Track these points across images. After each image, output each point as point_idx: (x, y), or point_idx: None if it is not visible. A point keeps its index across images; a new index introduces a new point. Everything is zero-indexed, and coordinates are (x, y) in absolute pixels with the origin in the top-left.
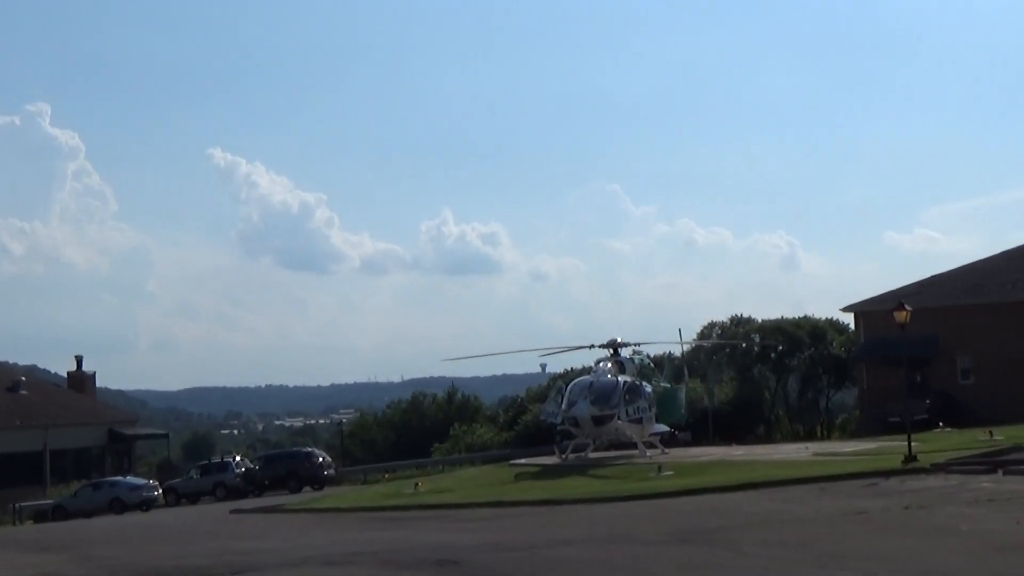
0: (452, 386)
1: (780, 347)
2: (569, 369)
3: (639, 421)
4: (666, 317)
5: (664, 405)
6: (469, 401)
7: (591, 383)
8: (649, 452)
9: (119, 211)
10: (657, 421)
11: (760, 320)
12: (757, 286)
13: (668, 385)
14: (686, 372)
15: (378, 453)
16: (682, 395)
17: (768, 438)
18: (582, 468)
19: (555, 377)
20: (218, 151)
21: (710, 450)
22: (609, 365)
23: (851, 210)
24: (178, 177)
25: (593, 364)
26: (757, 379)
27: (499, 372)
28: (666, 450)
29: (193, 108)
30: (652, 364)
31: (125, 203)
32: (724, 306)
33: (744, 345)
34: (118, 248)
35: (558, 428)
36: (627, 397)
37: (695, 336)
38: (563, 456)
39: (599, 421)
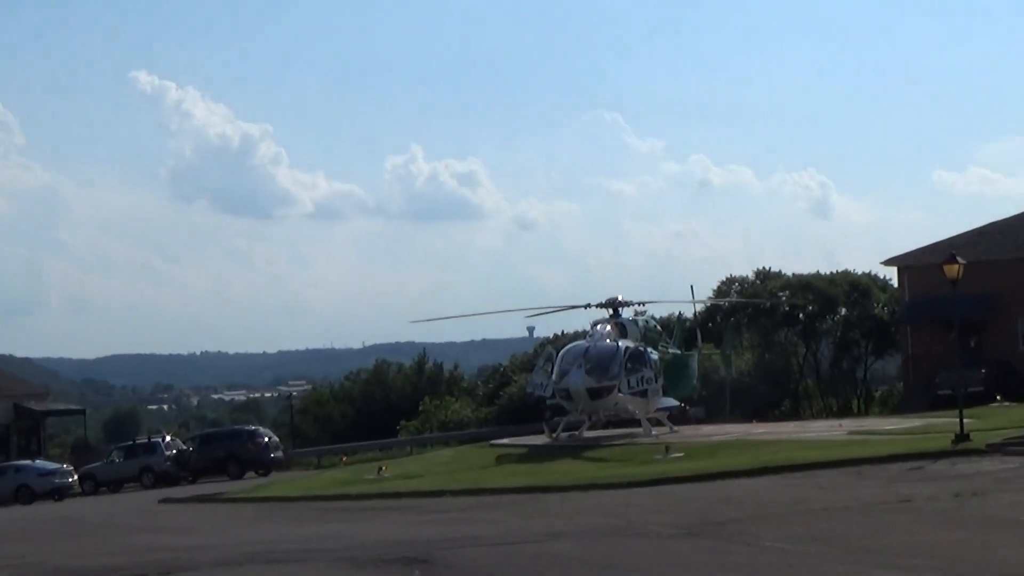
0: (422, 353)
1: (810, 307)
2: (561, 333)
3: (643, 394)
4: (676, 271)
5: (673, 375)
6: (442, 371)
7: (587, 349)
8: (655, 430)
9: (25, 144)
10: (664, 394)
11: (787, 275)
12: (783, 235)
13: (678, 352)
14: (699, 336)
15: (335, 432)
16: (694, 364)
17: (796, 414)
18: (575, 449)
19: (544, 342)
20: (143, 74)
21: (727, 428)
22: (608, 328)
23: (895, 144)
24: (95, 105)
25: (589, 327)
26: (783, 345)
27: (478, 336)
28: (675, 428)
29: (113, 22)
30: (659, 327)
31: (33, 135)
32: (745, 259)
33: (768, 305)
34: (24, 189)
35: (547, 402)
36: (629, 366)
37: (710, 294)
38: (553, 435)
39: (596, 394)
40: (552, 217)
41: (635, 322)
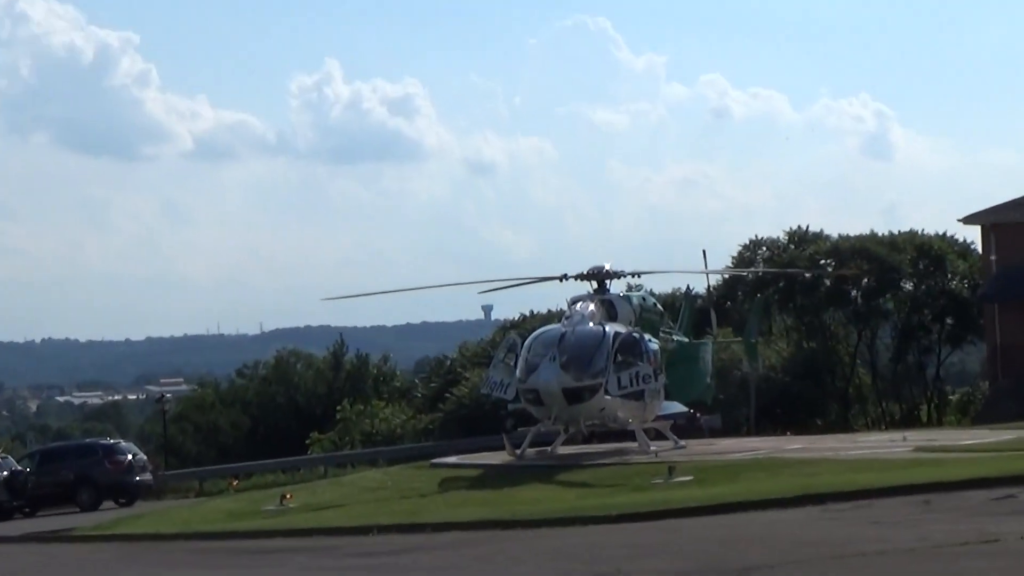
0: (340, 341)
1: (864, 279)
2: (529, 314)
3: (638, 396)
4: (683, 232)
5: (679, 371)
6: (367, 365)
7: (562, 336)
8: (653, 445)
9: None
10: (667, 397)
11: (833, 237)
12: (827, 183)
13: (685, 340)
14: (715, 319)
15: (222, 447)
16: (707, 355)
17: (844, 423)
18: (547, 471)
19: (505, 327)
20: None
21: (751, 442)
22: (591, 308)
23: (978, 63)
24: None
25: (566, 306)
26: (828, 330)
27: (415, 319)
28: (681, 442)
29: None
30: (660, 306)
31: None
32: (775, 215)
33: (808, 276)
34: None
35: (509, 408)
36: (619, 358)
37: (730, 262)
38: (517, 452)
39: (574, 396)
40: (516, 158)
41: (628, 299)
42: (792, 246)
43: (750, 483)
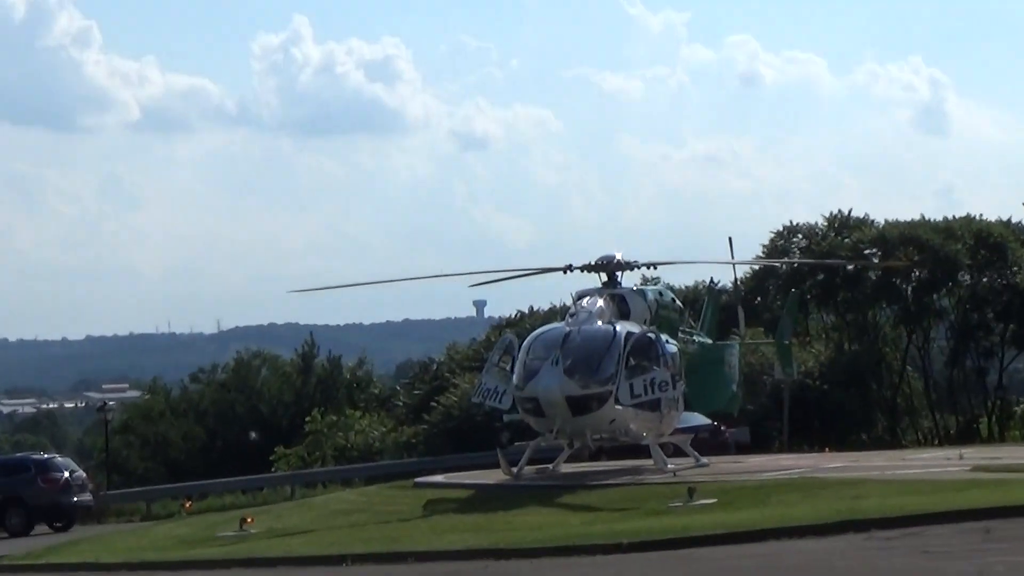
0: (309, 341)
1: (916, 272)
2: (527, 311)
3: (653, 406)
4: (706, 216)
5: (701, 377)
6: (341, 369)
7: (566, 337)
8: (671, 463)
9: None
10: (687, 407)
11: (878, 223)
12: (873, 161)
13: (709, 341)
14: (742, 317)
15: (173, 463)
16: (734, 359)
17: (892, 438)
18: (548, 492)
19: (500, 325)
20: None
21: (784, 459)
22: (600, 304)
23: None
24: None
25: (571, 302)
26: (874, 331)
27: (397, 316)
28: (703, 459)
29: None
30: (680, 303)
31: None
32: (813, 197)
33: (850, 268)
34: None
35: (504, 419)
36: (632, 362)
37: (760, 251)
38: (514, 470)
39: (580, 405)
40: (513, 131)
41: (642, 294)
42: (832, 233)
43: (783, 507)
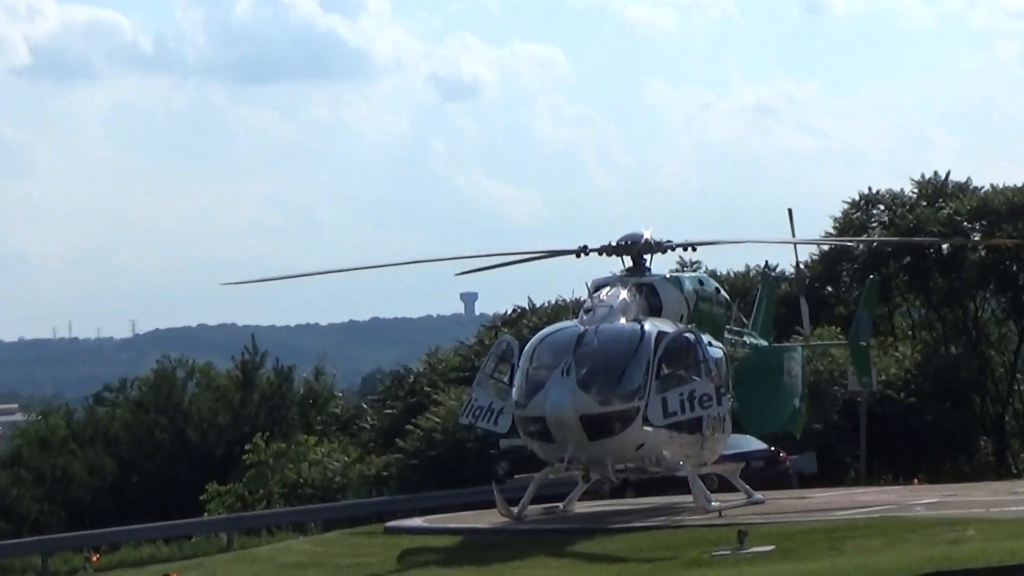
0: (251, 346)
1: None
2: (529, 307)
3: (693, 427)
4: (758, 183)
5: (755, 390)
6: (291, 382)
7: (580, 338)
8: (716, 500)
9: None
10: (736, 428)
11: (983, 189)
12: (972, 112)
13: (764, 343)
14: (806, 312)
15: (76, 504)
16: (796, 366)
17: (1000, 465)
18: (559, 538)
19: (495, 325)
20: None
21: (862, 494)
22: (623, 296)
23: None
24: None
25: (586, 294)
26: (976, 328)
27: (362, 314)
28: (758, 495)
29: None
30: (726, 294)
31: None
32: (896, 157)
33: (946, 248)
34: None
35: (502, 445)
36: (665, 371)
37: (830, 227)
38: (514, 511)
39: (599, 427)
40: (510, 75)
41: (678, 283)
42: (924, 203)
43: (860, 556)
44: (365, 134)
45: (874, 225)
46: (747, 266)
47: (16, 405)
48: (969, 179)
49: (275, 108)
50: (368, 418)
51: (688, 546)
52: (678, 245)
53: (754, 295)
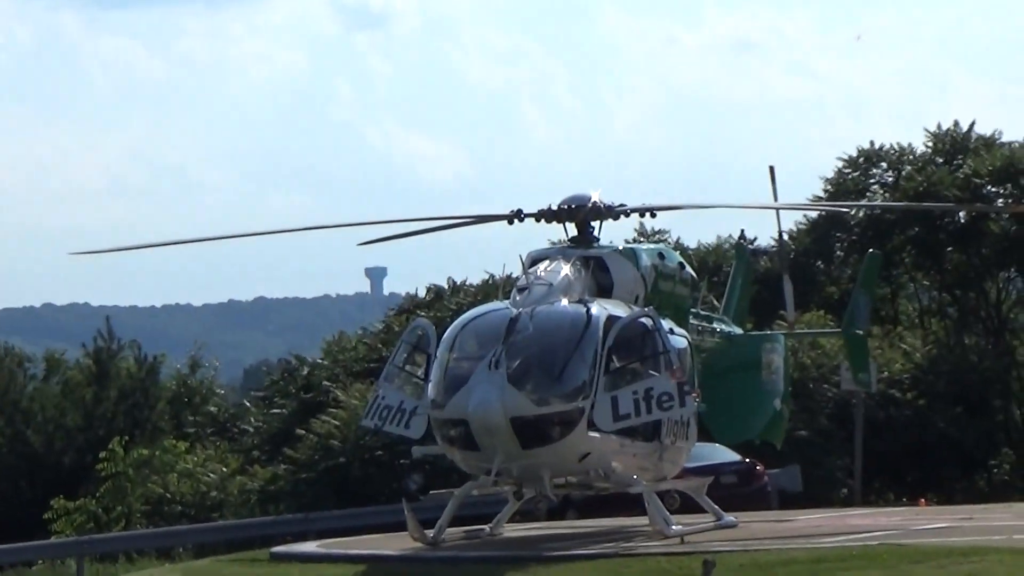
0: (105, 332)
1: None
2: (449, 285)
3: (650, 434)
4: (735, 134)
5: (727, 388)
6: (156, 375)
7: (512, 323)
8: (678, 524)
9: None
10: (704, 435)
11: (1007, 145)
12: (994, 51)
13: (737, 331)
14: (790, 293)
15: None
16: (777, 359)
17: (1023, 480)
18: (484, 567)
19: (408, 307)
20: None
21: (856, 517)
22: (566, 271)
23: None
24: None
25: (520, 268)
26: (998, 315)
27: (244, 294)
28: (729, 516)
29: None
30: (692, 271)
31: None
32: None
33: (964, 217)
34: None
35: (414, 454)
36: (615, 364)
37: (820, 190)
38: (430, 533)
39: (534, 433)
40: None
41: (632, 256)
42: (938, 160)
43: None
44: (250, 72)
45: (875, 187)
46: (719, 237)
47: None
48: (997, 132)
49: (138, 38)
50: (252, 419)
51: None
52: (634, 210)
53: (727, 272)
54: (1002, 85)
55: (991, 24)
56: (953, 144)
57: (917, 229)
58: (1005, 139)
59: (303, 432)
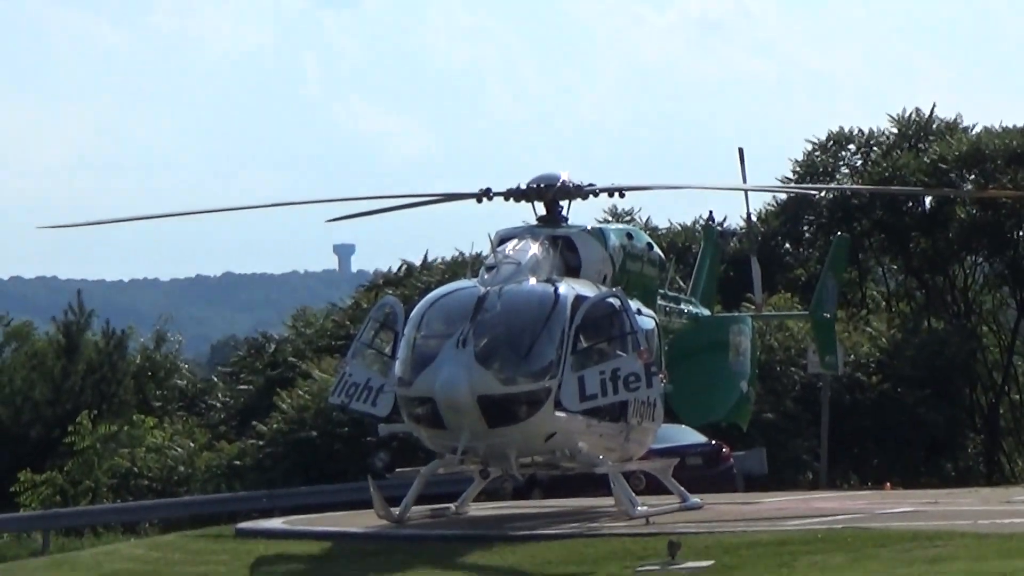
0: (76, 304)
1: None
2: (416, 263)
3: (616, 414)
4: (704, 116)
5: (695, 369)
6: (124, 350)
7: (480, 302)
8: (643, 505)
9: None
10: (672, 417)
11: (974, 129)
12: (964, 35)
13: (704, 312)
14: (758, 275)
15: None
16: (745, 341)
17: (991, 468)
18: (449, 546)
19: (375, 284)
20: None
21: (823, 500)
22: (534, 251)
23: None
24: None
25: (489, 247)
26: (965, 300)
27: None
28: (695, 498)
29: None
30: (660, 252)
31: None
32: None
33: (930, 201)
34: None
35: (381, 431)
36: (582, 343)
37: (789, 173)
38: (395, 512)
39: (500, 412)
40: None
41: (600, 236)
42: (905, 145)
43: (817, 574)
44: (215, 46)
45: (844, 170)
46: (691, 218)
47: None
48: (959, 117)
49: (104, 13)
50: (219, 395)
51: (608, 559)
52: (602, 190)
53: (695, 253)
54: (964, 70)
55: (956, 8)
56: (917, 129)
57: (883, 213)
58: (966, 123)
59: (271, 408)
